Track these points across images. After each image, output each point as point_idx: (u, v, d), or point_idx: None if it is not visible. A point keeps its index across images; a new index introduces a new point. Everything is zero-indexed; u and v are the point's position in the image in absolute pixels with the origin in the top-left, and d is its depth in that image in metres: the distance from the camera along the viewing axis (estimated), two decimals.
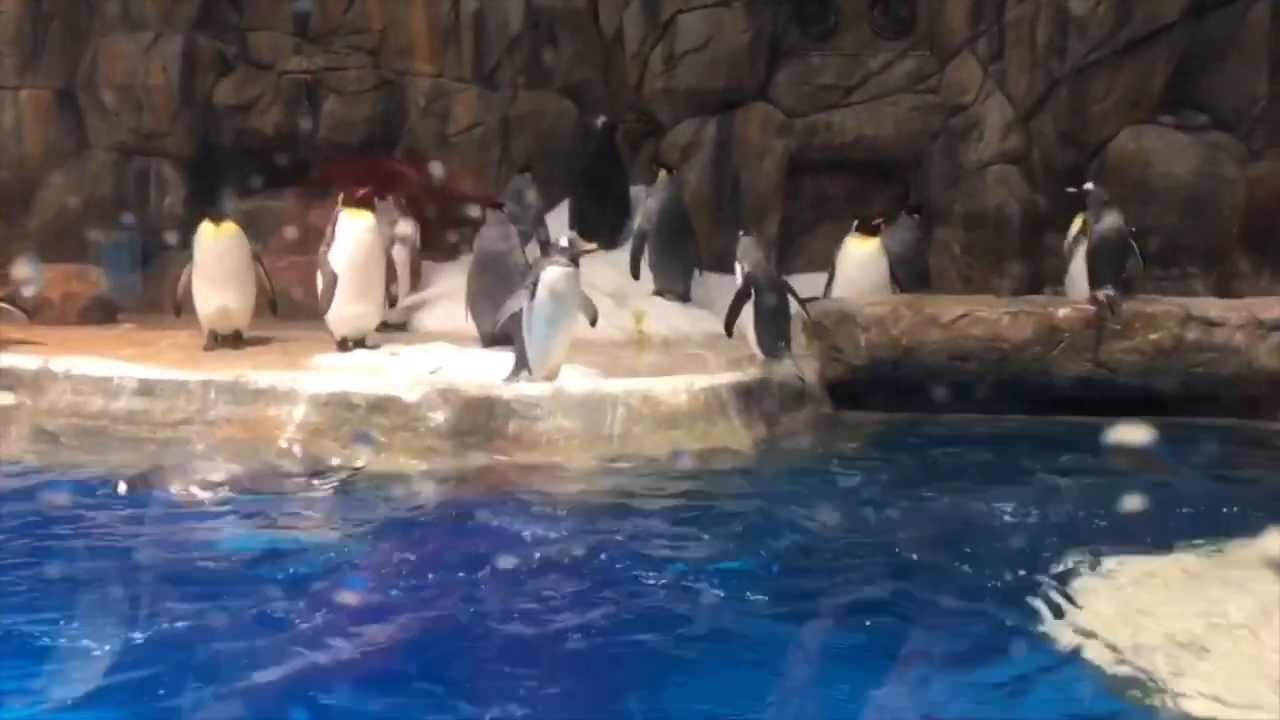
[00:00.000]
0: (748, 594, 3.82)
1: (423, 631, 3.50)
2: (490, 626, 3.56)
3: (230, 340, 7.27)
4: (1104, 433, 5.24)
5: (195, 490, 4.82)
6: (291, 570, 3.96)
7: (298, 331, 7.44)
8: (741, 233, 6.78)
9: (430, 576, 3.96)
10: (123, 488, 4.82)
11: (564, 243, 6.12)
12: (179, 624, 3.43)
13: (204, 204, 7.69)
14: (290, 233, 8.05)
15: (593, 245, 6.31)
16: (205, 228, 7.27)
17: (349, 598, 3.68)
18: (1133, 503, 4.86)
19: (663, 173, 8.40)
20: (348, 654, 3.31)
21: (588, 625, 3.54)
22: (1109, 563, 3.98)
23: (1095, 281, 6.55)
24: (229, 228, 7.28)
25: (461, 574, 3.96)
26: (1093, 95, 8.20)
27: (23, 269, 7.55)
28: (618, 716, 3.11)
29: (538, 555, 4.12)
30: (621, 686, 3.23)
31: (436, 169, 8.64)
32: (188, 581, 3.82)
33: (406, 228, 8.21)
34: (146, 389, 5.74)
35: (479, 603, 3.73)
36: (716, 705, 3.12)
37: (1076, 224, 7.18)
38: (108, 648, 3.24)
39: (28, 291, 7.53)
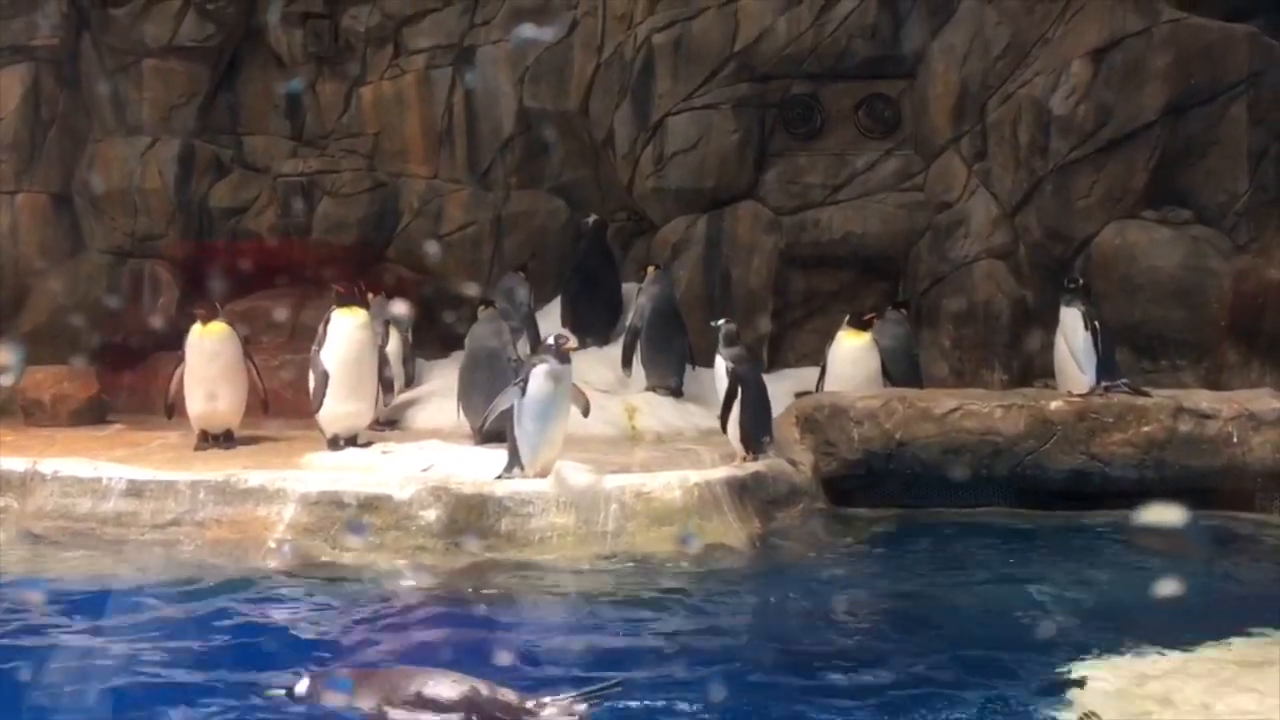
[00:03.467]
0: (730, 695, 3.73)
1: None
2: None
3: (221, 440, 7.24)
4: (1135, 517, 5.13)
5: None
6: None
7: (290, 430, 7.42)
8: (722, 321, 6.76)
9: None
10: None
11: (552, 340, 6.15)
12: None
13: (195, 304, 7.70)
14: (282, 331, 8.07)
15: (574, 344, 6.28)
16: (195, 328, 7.29)
17: None
18: (1127, 597, 4.83)
19: (652, 269, 8.48)
20: None
21: None
22: (1103, 662, 3.92)
23: (1106, 373, 6.66)
24: (218, 327, 7.30)
25: None
26: (1076, 192, 8.33)
27: (4, 355, 7.49)
28: None
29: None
30: None
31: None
32: None
33: (400, 311, 8.22)
34: (135, 490, 5.68)
35: None
36: None
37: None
38: None
39: (5, 380, 7.44)
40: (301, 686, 3.48)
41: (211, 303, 7.47)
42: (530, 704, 3.34)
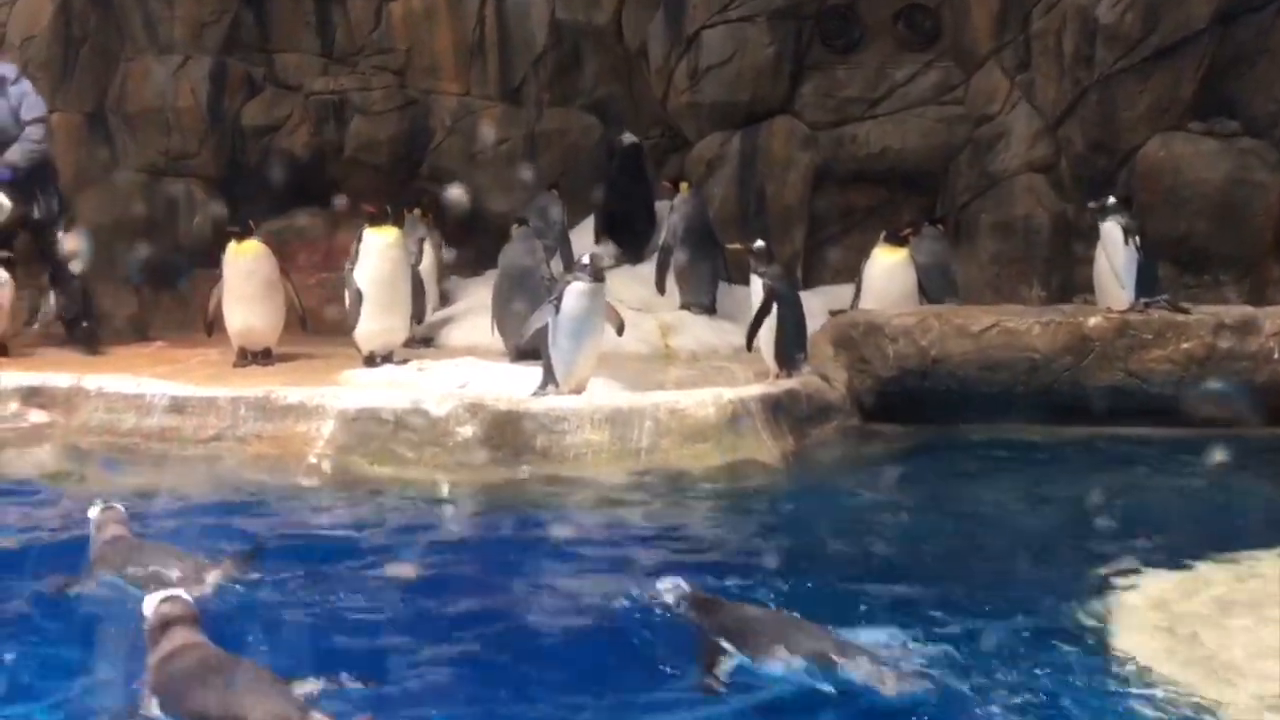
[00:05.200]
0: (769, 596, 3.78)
1: None
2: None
3: (260, 357, 7.31)
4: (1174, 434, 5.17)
5: None
6: None
7: (329, 348, 7.47)
8: (757, 242, 6.75)
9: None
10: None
11: (587, 258, 6.13)
12: None
13: (230, 223, 7.73)
14: (317, 250, 8.10)
15: (610, 262, 6.29)
16: (231, 246, 7.33)
17: None
18: (1166, 512, 4.82)
19: (684, 186, 8.41)
20: None
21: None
22: (1151, 576, 3.92)
23: (1146, 290, 6.56)
24: (254, 245, 7.33)
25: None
26: (1121, 103, 8.15)
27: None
28: None
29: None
30: None
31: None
32: None
33: (434, 239, 8.25)
34: (177, 406, 5.76)
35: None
36: None
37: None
38: None
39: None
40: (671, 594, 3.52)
41: (245, 221, 7.49)
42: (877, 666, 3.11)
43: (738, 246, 7.26)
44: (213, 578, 3.63)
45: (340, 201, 8.65)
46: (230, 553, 3.91)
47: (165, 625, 3.04)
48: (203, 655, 3.01)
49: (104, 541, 3.80)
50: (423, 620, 3.73)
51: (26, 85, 7.72)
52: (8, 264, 7.42)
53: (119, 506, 4.03)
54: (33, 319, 7.95)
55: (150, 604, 3.12)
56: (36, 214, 7.58)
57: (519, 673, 3.38)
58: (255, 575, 3.80)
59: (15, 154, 7.53)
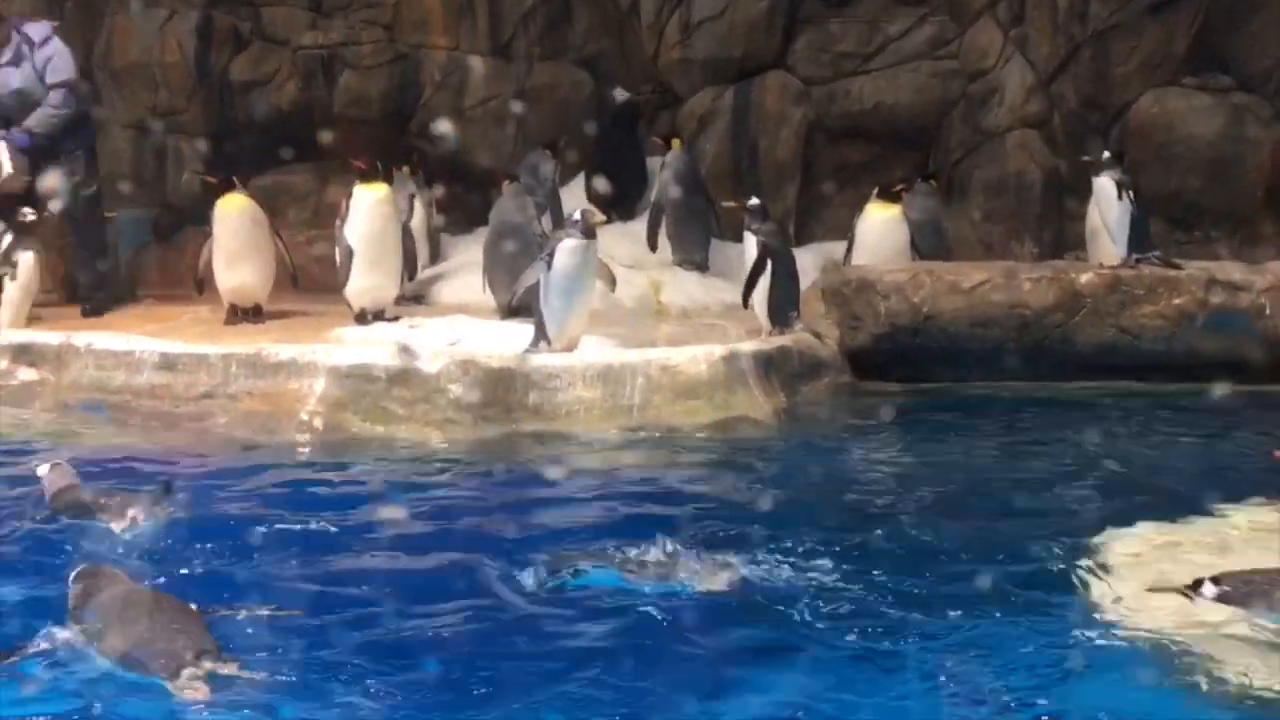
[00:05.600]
0: (769, 557, 3.80)
1: None
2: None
3: (251, 314, 7.28)
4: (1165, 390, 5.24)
5: None
6: None
7: (320, 306, 7.45)
8: (751, 199, 6.72)
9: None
10: None
11: (578, 215, 6.11)
12: None
13: (217, 179, 7.62)
14: (306, 207, 8.02)
15: (603, 217, 6.27)
16: (220, 203, 7.25)
17: None
18: (1156, 468, 4.85)
19: (676, 143, 8.35)
20: None
21: None
22: (1142, 528, 3.95)
23: (1138, 245, 6.55)
24: (242, 200, 7.26)
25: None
26: (1115, 58, 8.10)
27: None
28: None
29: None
30: None
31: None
32: None
33: (424, 196, 8.19)
34: (168, 363, 5.76)
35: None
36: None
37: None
38: None
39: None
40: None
41: (229, 176, 7.40)
42: None
43: (732, 204, 7.23)
44: (133, 511, 4.07)
45: (326, 135, 8.49)
46: (147, 489, 4.26)
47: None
48: (122, 591, 3.18)
49: (56, 490, 4.25)
50: (407, 566, 3.80)
51: (55, 47, 7.48)
52: (26, 228, 7.09)
53: (64, 463, 4.41)
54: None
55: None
56: (61, 179, 7.29)
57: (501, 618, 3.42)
58: (171, 509, 4.15)
59: (34, 120, 7.36)
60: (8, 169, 7.24)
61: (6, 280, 6.57)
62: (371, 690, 2.91)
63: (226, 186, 7.28)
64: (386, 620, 3.36)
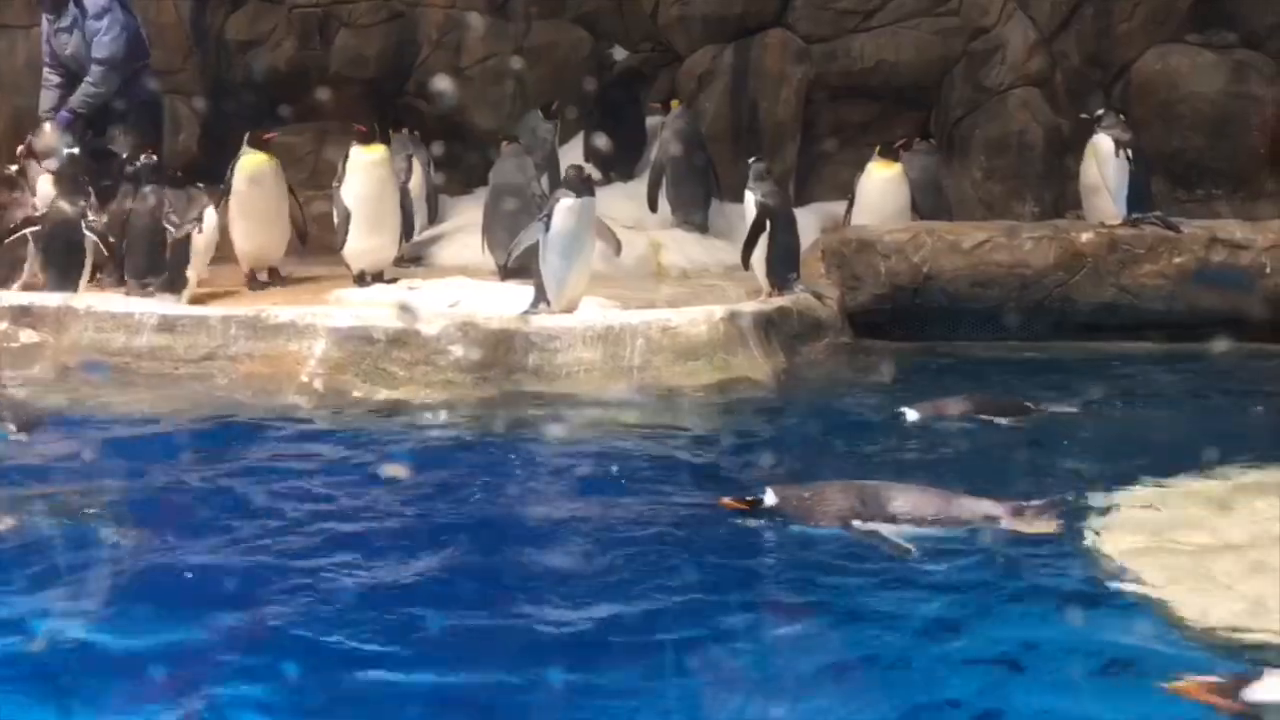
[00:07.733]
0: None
1: None
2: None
3: (274, 276, 7.15)
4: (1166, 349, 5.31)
5: None
6: None
7: (319, 268, 7.43)
8: (753, 159, 6.69)
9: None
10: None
11: (573, 170, 6.07)
12: None
13: (220, 140, 7.50)
14: (304, 168, 7.93)
15: (598, 176, 6.22)
16: (242, 162, 7.07)
17: None
18: (1155, 427, 4.86)
19: (675, 103, 8.30)
20: None
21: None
22: (1140, 488, 3.96)
23: (1139, 205, 6.53)
24: (264, 159, 7.09)
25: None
26: (1118, 14, 8.05)
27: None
28: None
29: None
30: None
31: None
32: None
33: (422, 156, 8.13)
34: (167, 325, 5.75)
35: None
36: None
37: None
38: None
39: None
40: (769, 498, 3.66)
41: (256, 132, 7.18)
42: (1007, 510, 3.56)
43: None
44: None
45: (324, 95, 8.38)
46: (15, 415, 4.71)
47: None
48: None
49: None
50: (409, 519, 3.84)
51: (105, 21, 7.20)
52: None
53: None
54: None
55: None
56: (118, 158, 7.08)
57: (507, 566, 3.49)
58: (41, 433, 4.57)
59: (75, 99, 7.20)
60: (42, 192, 6.77)
61: (195, 233, 6.50)
62: None
63: (260, 145, 7.07)
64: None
